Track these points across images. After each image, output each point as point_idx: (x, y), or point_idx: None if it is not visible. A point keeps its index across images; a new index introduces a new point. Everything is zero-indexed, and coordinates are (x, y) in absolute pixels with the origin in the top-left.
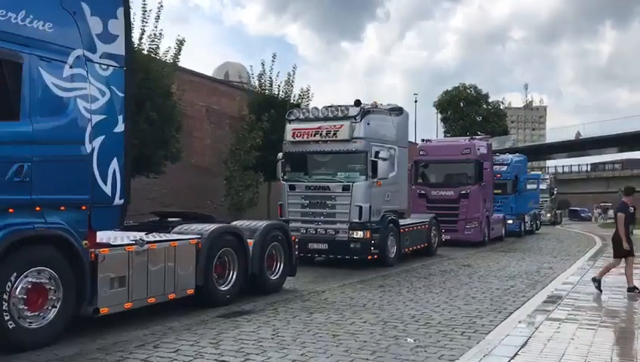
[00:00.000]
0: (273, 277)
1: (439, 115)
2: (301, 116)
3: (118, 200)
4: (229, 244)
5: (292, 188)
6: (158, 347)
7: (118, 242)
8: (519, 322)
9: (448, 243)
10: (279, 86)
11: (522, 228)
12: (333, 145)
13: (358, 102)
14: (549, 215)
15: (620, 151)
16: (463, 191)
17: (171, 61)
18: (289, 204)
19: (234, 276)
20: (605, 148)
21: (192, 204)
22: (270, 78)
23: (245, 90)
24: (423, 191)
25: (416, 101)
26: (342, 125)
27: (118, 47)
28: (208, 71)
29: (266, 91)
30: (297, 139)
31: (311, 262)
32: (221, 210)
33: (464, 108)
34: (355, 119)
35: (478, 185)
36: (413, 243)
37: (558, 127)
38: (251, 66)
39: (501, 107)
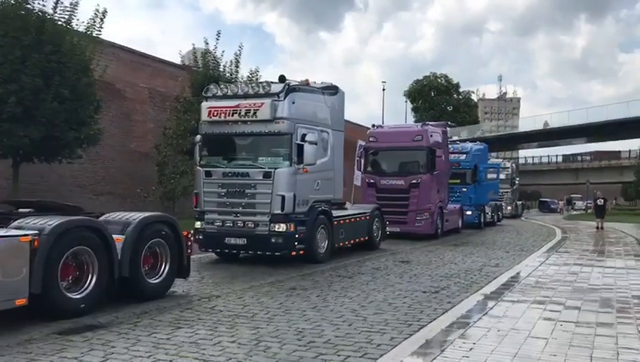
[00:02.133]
0: (154, 281)
1: (410, 105)
2: (218, 93)
3: None
4: (85, 242)
5: (208, 174)
6: None
7: None
8: (419, 346)
9: (397, 236)
10: (224, 66)
11: (482, 220)
12: (253, 127)
13: (282, 78)
14: (509, 207)
15: (589, 142)
16: (414, 181)
17: (89, 33)
18: (205, 193)
19: (92, 280)
20: (573, 139)
21: (127, 192)
22: (214, 57)
23: (190, 71)
24: (372, 181)
25: (384, 89)
26: (262, 103)
27: None
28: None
29: (211, 71)
30: (214, 118)
31: (234, 259)
32: (152, 200)
33: (434, 98)
34: (278, 97)
35: (430, 174)
36: (351, 237)
37: (529, 117)
38: (193, 44)
39: (473, 97)
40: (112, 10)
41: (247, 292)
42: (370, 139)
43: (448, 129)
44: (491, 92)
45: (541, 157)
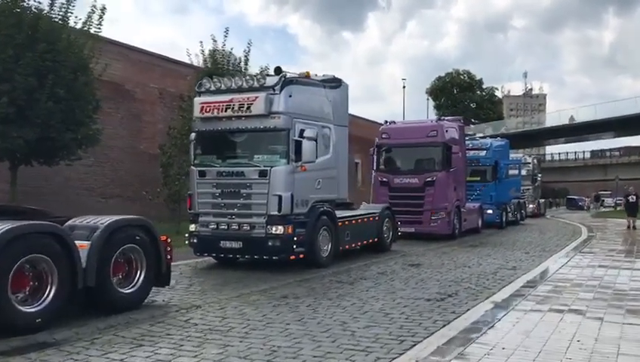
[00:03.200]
0: (126, 290)
1: (433, 102)
2: (212, 87)
3: None
4: (42, 249)
5: (202, 174)
6: None
7: None
8: None
9: (412, 237)
10: (232, 63)
11: (503, 219)
12: (247, 122)
13: (278, 70)
14: (531, 205)
15: (617, 137)
16: (429, 178)
17: (87, 30)
18: (199, 194)
19: (51, 292)
20: (601, 133)
21: (136, 194)
22: (223, 54)
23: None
24: (384, 179)
25: (404, 87)
26: (256, 97)
27: None
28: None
29: (219, 67)
30: (206, 114)
31: (231, 264)
32: (157, 202)
33: (457, 95)
34: (274, 90)
35: (446, 172)
36: (358, 239)
37: (554, 112)
38: (201, 42)
39: (497, 94)
40: (137, 15)
41: (231, 302)
42: (383, 135)
43: (472, 126)
44: (517, 89)
45: (567, 153)
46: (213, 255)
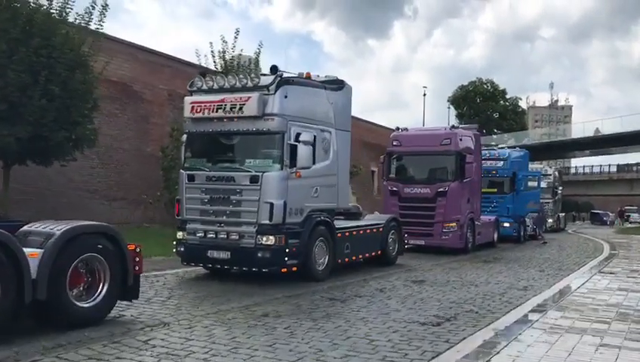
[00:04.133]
0: (86, 304)
1: (455, 111)
2: (204, 86)
3: None
4: None
5: (191, 178)
6: None
7: None
8: None
9: (423, 250)
10: (242, 64)
11: (522, 233)
12: (239, 124)
13: (274, 69)
14: (550, 220)
15: None
16: (441, 189)
17: (86, 26)
18: (187, 200)
19: None
20: (628, 147)
21: (140, 198)
22: (232, 55)
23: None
24: (394, 188)
25: (425, 94)
26: (249, 97)
27: None
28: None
29: (229, 70)
30: (197, 115)
31: (222, 275)
32: (157, 206)
33: (480, 104)
34: (268, 90)
35: (459, 182)
36: (359, 251)
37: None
38: (211, 43)
39: (521, 104)
40: (163, 20)
41: (204, 320)
42: (394, 143)
43: (494, 136)
44: (543, 100)
45: (592, 166)
46: (201, 265)
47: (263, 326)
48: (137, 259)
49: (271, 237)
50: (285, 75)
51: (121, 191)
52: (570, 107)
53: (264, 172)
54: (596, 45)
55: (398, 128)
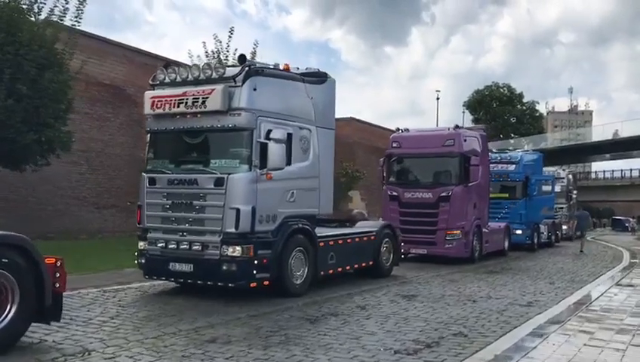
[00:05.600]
0: None
1: (470, 116)
2: (166, 79)
3: None
4: None
5: (152, 182)
6: None
7: None
8: None
9: (426, 260)
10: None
11: (535, 241)
12: (203, 120)
13: (242, 58)
14: (564, 226)
15: None
16: (444, 193)
17: (60, 22)
18: (148, 206)
19: None
20: None
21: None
22: (227, 55)
23: None
24: (394, 193)
25: (438, 98)
26: (212, 90)
27: None
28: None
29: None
30: (157, 111)
31: (190, 289)
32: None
33: (496, 109)
34: (235, 82)
35: (463, 186)
36: (347, 262)
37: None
38: (204, 43)
39: (538, 108)
40: (183, 31)
41: (135, 348)
42: (394, 144)
43: (512, 141)
44: (562, 105)
45: (613, 171)
46: (163, 278)
47: (200, 356)
48: (58, 275)
49: (237, 248)
50: (256, 65)
51: (112, 199)
52: (590, 112)
53: (230, 174)
54: (617, 49)
55: (398, 129)
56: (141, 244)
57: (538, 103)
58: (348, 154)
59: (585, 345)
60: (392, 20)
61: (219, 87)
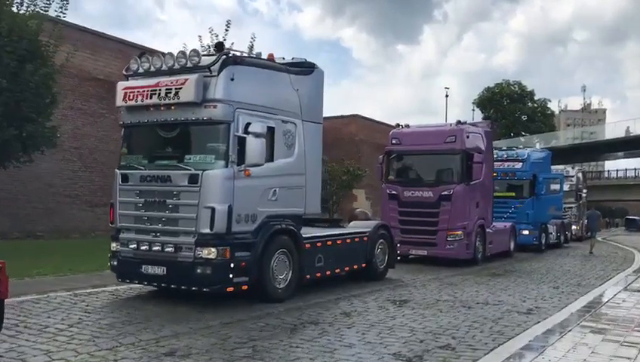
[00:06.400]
0: None
1: (481, 114)
2: (139, 69)
3: None
4: None
5: (125, 179)
6: None
7: None
8: None
9: (427, 261)
10: None
11: (543, 241)
12: (177, 113)
13: (219, 46)
14: (574, 226)
15: None
16: (445, 192)
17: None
18: (120, 204)
19: None
20: None
21: None
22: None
23: None
24: (394, 192)
25: (447, 96)
26: (186, 80)
27: None
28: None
29: None
30: (130, 102)
31: (167, 293)
32: None
33: (507, 106)
34: (210, 71)
35: (465, 185)
36: (337, 264)
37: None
38: (200, 37)
39: (550, 106)
40: (195, 30)
41: None
42: (393, 141)
43: (522, 139)
44: (575, 104)
45: (626, 170)
46: (136, 282)
47: None
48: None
49: (212, 250)
50: (234, 53)
51: (106, 196)
52: (603, 110)
53: (205, 170)
54: (631, 47)
55: (398, 125)
56: (113, 245)
57: (550, 101)
58: (353, 152)
59: (584, 361)
60: (404, 18)
61: (192, 77)
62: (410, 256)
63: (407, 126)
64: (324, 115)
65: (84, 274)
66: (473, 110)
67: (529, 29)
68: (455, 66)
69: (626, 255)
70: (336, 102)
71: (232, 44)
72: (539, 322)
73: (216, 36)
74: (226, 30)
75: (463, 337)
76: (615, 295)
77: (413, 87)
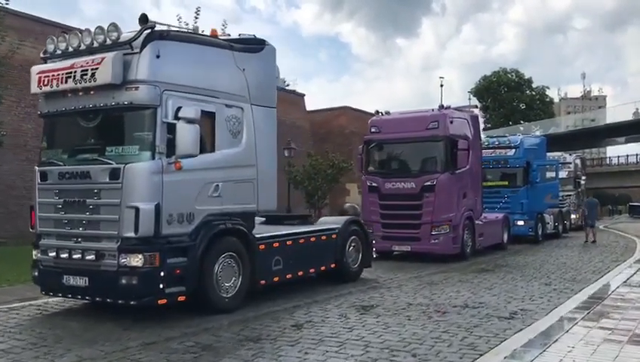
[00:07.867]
0: None
1: (479, 103)
2: (57, 51)
3: None
4: None
5: (44, 177)
6: None
7: None
8: None
9: (411, 258)
10: None
11: (539, 232)
12: (95, 98)
13: (143, 19)
14: (573, 216)
15: None
16: (428, 183)
17: None
18: (39, 206)
19: None
20: None
21: None
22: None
23: None
24: (374, 184)
25: (442, 85)
26: (102, 59)
27: None
28: None
29: None
30: (45, 88)
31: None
32: None
33: (505, 95)
34: (132, 48)
35: (450, 174)
36: (299, 266)
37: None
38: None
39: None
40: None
41: None
42: (372, 129)
43: (521, 128)
44: (575, 92)
45: (627, 156)
46: (59, 295)
47: None
48: None
49: (138, 256)
50: (160, 27)
51: None
52: (604, 97)
53: (127, 163)
54: (632, 33)
55: (377, 112)
56: (35, 253)
57: (548, 88)
58: (344, 145)
59: None
60: (402, 11)
61: (109, 55)
62: (395, 253)
63: (388, 113)
64: (315, 108)
65: (23, 284)
66: (469, 99)
67: (528, 18)
68: (455, 58)
69: (628, 243)
70: (337, 99)
71: (203, 31)
72: (521, 330)
73: (187, 24)
74: (196, 18)
75: (426, 354)
76: (613, 291)
77: (414, 80)
